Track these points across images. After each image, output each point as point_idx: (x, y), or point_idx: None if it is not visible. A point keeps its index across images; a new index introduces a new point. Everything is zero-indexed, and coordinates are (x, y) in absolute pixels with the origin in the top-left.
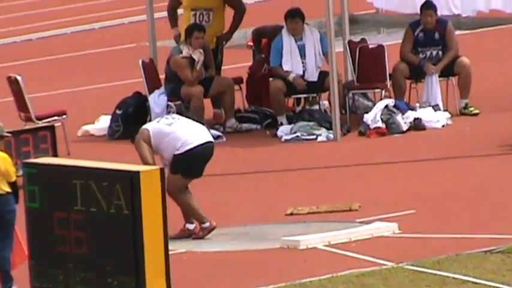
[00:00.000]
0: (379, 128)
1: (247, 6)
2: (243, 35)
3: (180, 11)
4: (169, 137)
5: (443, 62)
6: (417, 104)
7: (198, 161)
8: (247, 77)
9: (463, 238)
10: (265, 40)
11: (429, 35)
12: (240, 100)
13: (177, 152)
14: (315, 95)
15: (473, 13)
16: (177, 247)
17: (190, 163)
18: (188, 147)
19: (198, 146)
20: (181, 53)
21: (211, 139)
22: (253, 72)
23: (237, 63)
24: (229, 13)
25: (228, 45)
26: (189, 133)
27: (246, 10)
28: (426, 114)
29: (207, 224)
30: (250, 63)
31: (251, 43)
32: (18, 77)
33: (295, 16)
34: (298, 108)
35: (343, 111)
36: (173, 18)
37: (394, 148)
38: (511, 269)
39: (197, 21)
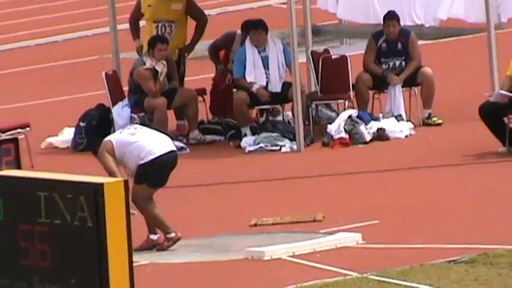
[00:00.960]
0: (342, 138)
1: (210, 17)
2: (206, 46)
3: (142, 22)
4: (133, 146)
5: (406, 72)
6: (380, 115)
7: (163, 170)
8: (211, 88)
9: (427, 248)
10: (223, 52)
11: (392, 46)
12: (203, 111)
13: (141, 162)
14: (278, 106)
15: (435, 22)
16: (140, 259)
17: (155, 172)
18: (152, 157)
19: (162, 155)
20: (144, 64)
21: (175, 148)
22: (216, 84)
23: (200, 74)
24: (191, 25)
25: (192, 56)
26: (153, 142)
27: (208, 21)
28: (389, 125)
29: (172, 234)
30: (213, 75)
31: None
32: None
33: (258, 27)
34: (262, 119)
35: (307, 122)
36: (135, 30)
37: (357, 158)
38: (475, 279)
39: (159, 33)
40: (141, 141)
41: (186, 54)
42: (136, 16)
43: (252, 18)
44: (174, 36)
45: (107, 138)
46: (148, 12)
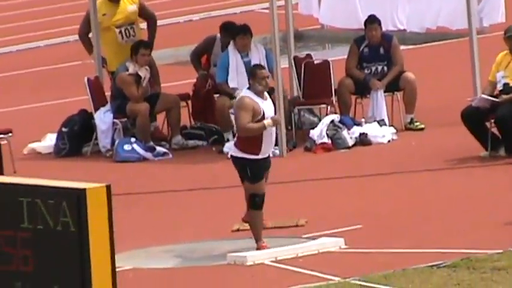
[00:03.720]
0: (325, 143)
1: (193, 22)
2: (188, 51)
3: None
4: None
5: (389, 77)
6: (363, 119)
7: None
8: (192, 93)
9: (410, 253)
10: (205, 57)
11: (374, 50)
12: (186, 117)
13: None
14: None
15: (422, 29)
16: (123, 264)
17: None
18: None
19: None
20: (127, 70)
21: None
22: (197, 89)
23: (182, 79)
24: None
25: (174, 61)
26: None
27: (190, 26)
28: (372, 130)
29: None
30: (194, 80)
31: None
32: None
33: (246, 32)
34: None
35: (289, 127)
36: (88, 44)
37: (340, 163)
38: (457, 284)
39: (124, 37)
40: None
41: None
42: (87, 30)
43: (235, 22)
44: (136, 38)
45: None
46: (106, 20)
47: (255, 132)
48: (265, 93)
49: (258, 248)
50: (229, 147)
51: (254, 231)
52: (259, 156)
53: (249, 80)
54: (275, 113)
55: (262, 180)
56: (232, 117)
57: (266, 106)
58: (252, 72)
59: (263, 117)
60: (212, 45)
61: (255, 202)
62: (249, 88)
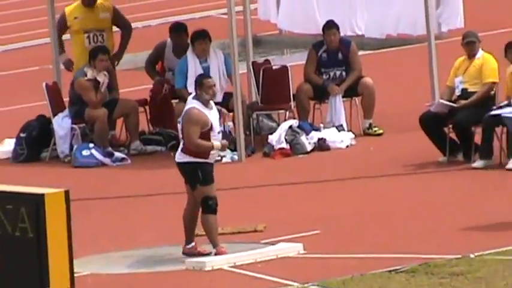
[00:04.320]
0: (283, 148)
1: (151, 28)
2: (146, 57)
3: (66, 36)
4: None
5: (347, 82)
6: (321, 125)
7: None
8: (149, 99)
9: (368, 258)
10: (160, 64)
11: (332, 56)
12: (145, 122)
13: None
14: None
15: (382, 35)
16: (82, 269)
17: None
18: None
19: None
20: (85, 75)
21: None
22: (154, 95)
23: (140, 85)
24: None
25: (131, 67)
26: None
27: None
28: (330, 135)
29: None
30: (152, 86)
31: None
32: None
33: (205, 37)
34: None
35: (248, 133)
36: (60, 45)
37: (298, 169)
38: None
39: (92, 42)
40: None
41: (116, 63)
42: (60, 31)
43: (184, 23)
44: (105, 45)
45: None
46: (77, 23)
47: (203, 150)
48: (211, 102)
49: (216, 253)
50: None
51: (210, 236)
52: (209, 160)
53: (196, 89)
54: (233, 118)
55: (213, 183)
56: (179, 126)
57: (213, 116)
58: (199, 81)
59: (211, 128)
60: (163, 50)
61: (209, 206)
62: (195, 97)
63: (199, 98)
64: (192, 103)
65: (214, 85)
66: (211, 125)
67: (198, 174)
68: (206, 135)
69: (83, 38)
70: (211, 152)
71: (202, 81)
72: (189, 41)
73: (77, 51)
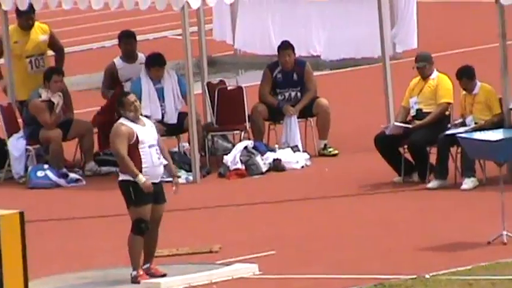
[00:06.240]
0: (238, 169)
1: (104, 49)
2: (101, 78)
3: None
4: None
5: (302, 103)
6: (276, 145)
7: None
8: (98, 121)
9: (324, 278)
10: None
11: (287, 76)
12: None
13: None
14: (174, 137)
15: (339, 57)
16: None
17: None
18: None
19: None
20: (40, 96)
21: None
22: (102, 117)
23: (95, 106)
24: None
25: (85, 88)
26: None
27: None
28: (285, 155)
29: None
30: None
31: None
32: None
33: (161, 65)
34: None
35: (203, 153)
36: None
37: (254, 189)
38: None
39: (34, 67)
40: None
41: None
42: None
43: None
44: (59, 67)
45: None
46: (18, 48)
47: (126, 169)
48: (144, 119)
49: (135, 277)
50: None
51: (133, 258)
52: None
53: (119, 110)
54: (188, 139)
55: (147, 205)
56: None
57: (145, 131)
58: (119, 101)
59: (137, 141)
60: (114, 69)
61: (140, 228)
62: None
63: (125, 117)
64: (121, 119)
65: (136, 100)
66: (137, 138)
67: (130, 194)
68: (134, 148)
69: (24, 63)
70: (136, 179)
71: (121, 100)
72: (143, 62)
73: (19, 77)
